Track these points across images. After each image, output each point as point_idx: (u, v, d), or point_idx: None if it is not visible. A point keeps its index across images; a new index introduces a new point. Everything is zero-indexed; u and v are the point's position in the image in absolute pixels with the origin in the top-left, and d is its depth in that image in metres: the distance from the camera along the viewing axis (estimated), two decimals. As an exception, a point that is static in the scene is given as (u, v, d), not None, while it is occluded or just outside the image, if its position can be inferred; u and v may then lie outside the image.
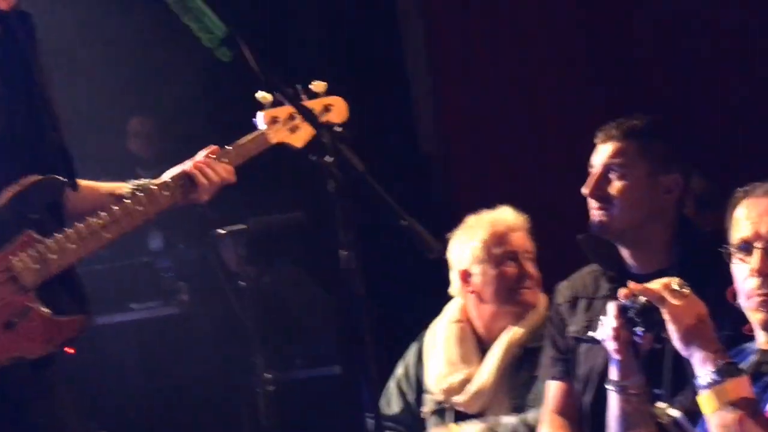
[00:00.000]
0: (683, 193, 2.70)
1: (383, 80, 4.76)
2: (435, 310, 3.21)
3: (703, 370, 2.01)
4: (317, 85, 2.73)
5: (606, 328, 2.18)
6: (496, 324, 3.14)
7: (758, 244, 2.13)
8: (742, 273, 2.14)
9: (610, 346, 2.19)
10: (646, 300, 2.11)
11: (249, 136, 2.72)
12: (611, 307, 2.17)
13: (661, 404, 2.16)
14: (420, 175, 4.72)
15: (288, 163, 2.94)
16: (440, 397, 3.16)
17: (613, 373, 2.22)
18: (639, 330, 2.13)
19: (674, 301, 2.07)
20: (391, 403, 3.28)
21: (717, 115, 4.34)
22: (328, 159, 2.29)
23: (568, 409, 2.71)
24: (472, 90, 4.69)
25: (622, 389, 2.21)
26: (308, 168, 2.61)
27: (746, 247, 2.14)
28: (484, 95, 4.67)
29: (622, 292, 2.16)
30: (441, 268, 3.27)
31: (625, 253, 2.69)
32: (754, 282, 2.12)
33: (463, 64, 4.71)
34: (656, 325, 2.10)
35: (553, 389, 2.76)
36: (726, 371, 2.01)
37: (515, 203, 3.31)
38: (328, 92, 2.78)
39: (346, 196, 2.29)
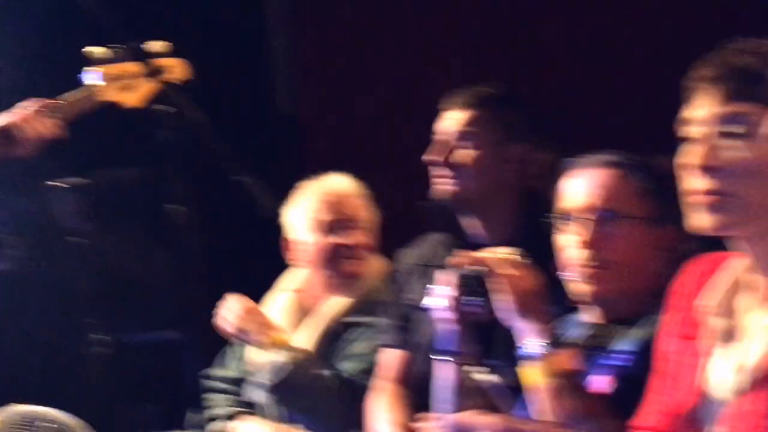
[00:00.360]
0: (531, 164, 2.68)
1: (242, 39, 4.62)
2: (278, 273, 3.10)
3: (535, 341, 1.99)
4: (159, 45, 2.62)
5: (442, 297, 2.14)
6: (325, 295, 3.06)
7: (590, 216, 2.12)
8: (569, 244, 2.13)
9: (448, 315, 2.15)
10: (487, 269, 2.08)
11: (83, 92, 2.61)
12: (452, 276, 2.13)
13: (478, 369, 2.14)
14: (275, 137, 4.61)
15: (127, 116, 2.81)
16: (253, 368, 3.07)
17: (449, 344, 2.17)
18: (478, 300, 2.09)
19: (513, 271, 2.04)
20: (229, 367, 3.19)
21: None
22: (168, 111, 2.20)
23: (404, 378, 2.67)
24: (332, 51, 4.61)
25: (457, 360, 2.17)
26: (148, 121, 2.49)
27: (577, 218, 2.13)
28: (344, 57, 4.59)
29: (458, 260, 2.12)
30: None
31: (469, 222, 2.65)
32: (584, 253, 2.10)
33: (324, 25, 4.62)
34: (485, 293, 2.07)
35: (389, 357, 2.71)
36: (558, 343, 2.00)
37: (369, 170, 3.24)
38: (183, 50, 2.68)
39: (185, 151, 2.19)
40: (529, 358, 2.00)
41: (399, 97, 4.49)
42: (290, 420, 2.92)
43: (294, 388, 2.87)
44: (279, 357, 2.88)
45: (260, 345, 2.89)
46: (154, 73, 2.54)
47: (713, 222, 1.61)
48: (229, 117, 4.12)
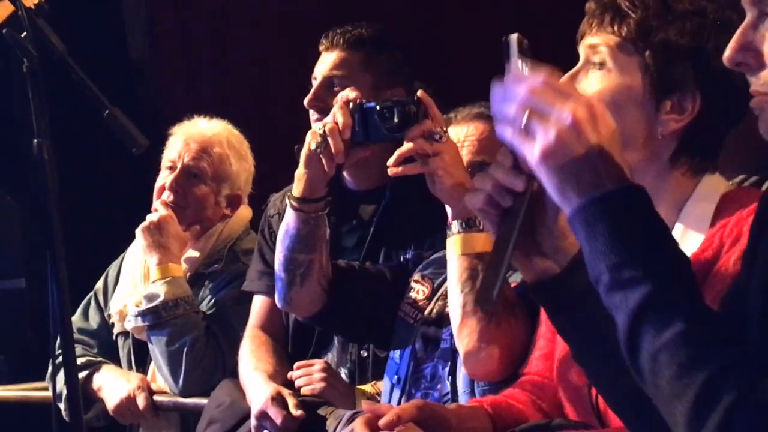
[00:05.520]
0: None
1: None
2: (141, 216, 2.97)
3: (458, 220, 1.99)
4: None
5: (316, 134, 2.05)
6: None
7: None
8: None
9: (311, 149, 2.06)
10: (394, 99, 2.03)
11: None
12: (337, 107, 2.06)
13: None
14: (127, 81, 4.43)
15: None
16: (115, 319, 2.96)
17: (297, 187, 2.09)
18: (389, 125, 2.01)
19: (438, 146, 1.98)
20: (90, 316, 3.06)
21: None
22: (22, 36, 2.04)
23: (271, 325, 2.59)
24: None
25: (301, 206, 2.10)
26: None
27: None
28: (196, 5, 4.45)
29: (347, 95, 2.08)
30: (149, 166, 3.06)
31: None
32: None
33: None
34: (409, 121, 1.99)
35: (258, 304, 2.63)
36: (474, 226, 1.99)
37: (223, 116, 3.14)
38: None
39: (41, 78, 2.04)
40: (455, 232, 2.00)
41: (256, 44, 4.38)
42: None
43: (163, 318, 2.78)
44: (157, 287, 2.80)
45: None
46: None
47: None
48: (80, 60, 3.93)
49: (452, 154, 1.99)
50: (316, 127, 2.07)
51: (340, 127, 2.04)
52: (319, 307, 2.21)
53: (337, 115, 2.04)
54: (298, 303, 2.22)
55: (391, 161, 2.00)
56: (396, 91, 2.59)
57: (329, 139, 2.03)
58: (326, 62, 2.58)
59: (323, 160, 2.04)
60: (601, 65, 1.60)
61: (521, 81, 1.27)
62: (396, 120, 2.00)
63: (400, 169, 2.00)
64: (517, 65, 1.34)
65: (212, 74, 4.42)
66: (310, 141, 2.07)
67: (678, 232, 1.62)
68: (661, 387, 1.17)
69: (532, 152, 1.24)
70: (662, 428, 1.23)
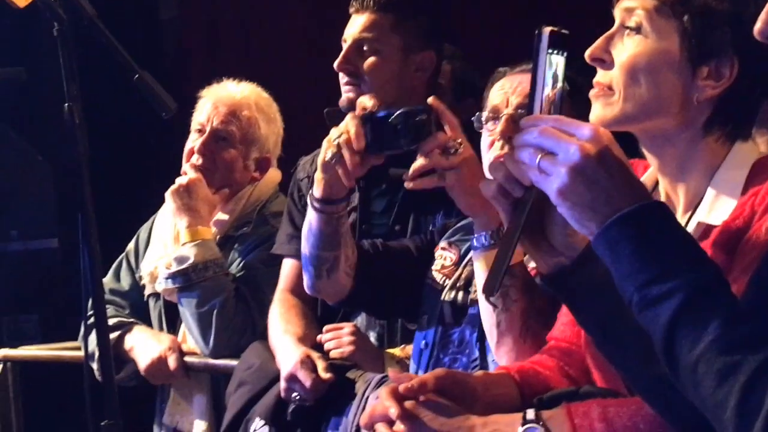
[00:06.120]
0: (435, 71, 2.62)
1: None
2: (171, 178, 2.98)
3: (483, 233, 1.96)
4: None
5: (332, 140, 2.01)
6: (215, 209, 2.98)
7: (507, 110, 2.07)
8: (488, 142, 2.08)
9: (327, 157, 2.02)
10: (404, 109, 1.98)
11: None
12: (349, 117, 2.01)
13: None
14: (156, 43, 4.44)
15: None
16: (146, 281, 2.98)
17: (317, 189, 2.09)
18: (403, 141, 1.96)
19: (454, 160, 1.94)
20: (121, 278, 3.09)
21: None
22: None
23: (301, 289, 2.59)
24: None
25: (322, 208, 2.09)
26: (30, 13, 2.33)
27: (495, 115, 2.08)
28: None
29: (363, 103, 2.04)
30: (178, 129, 3.07)
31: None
32: (497, 146, 2.04)
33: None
34: (421, 133, 1.94)
35: (287, 267, 2.64)
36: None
37: (250, 77, 3.13)
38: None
39: (72, 42, 2.04)
40: (479, 248, 1.97)
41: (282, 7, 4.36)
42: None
43: (192, 281, 2.80)
44: (187, 249, 2.81)
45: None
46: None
47: (594, 113, 1.59)
48: (108, 21, 3.93)
49: (470, 166, 1.94)
50: (332, 136, 2.02)
51: (353, 139, 1.99)
52: (347, 293, 2.21)
53: (349, 126, 2.00)
54: (326, 292, 2.24)
55: (407, 176, 1.96)
56: (426, 54, 2.58)
57: (344, 151, 1.98)
58: (356, 24, 2.56)
59: (340, 171, 2.00)
60: (638, 29, 1.57)
61: (533, 125, 1.32)
62: (407, 133, 1.95)
63: (417, 182, 1.96)
64: (544, 61, 1.37)
65: (240, 38, 4.41)
66: (326, 150, 2.03)
67: (709, 198, 1.60)
68: (705, 398, 1.17)
69: (551, 190, 1.30)
70: (687, 414, 1.23)
